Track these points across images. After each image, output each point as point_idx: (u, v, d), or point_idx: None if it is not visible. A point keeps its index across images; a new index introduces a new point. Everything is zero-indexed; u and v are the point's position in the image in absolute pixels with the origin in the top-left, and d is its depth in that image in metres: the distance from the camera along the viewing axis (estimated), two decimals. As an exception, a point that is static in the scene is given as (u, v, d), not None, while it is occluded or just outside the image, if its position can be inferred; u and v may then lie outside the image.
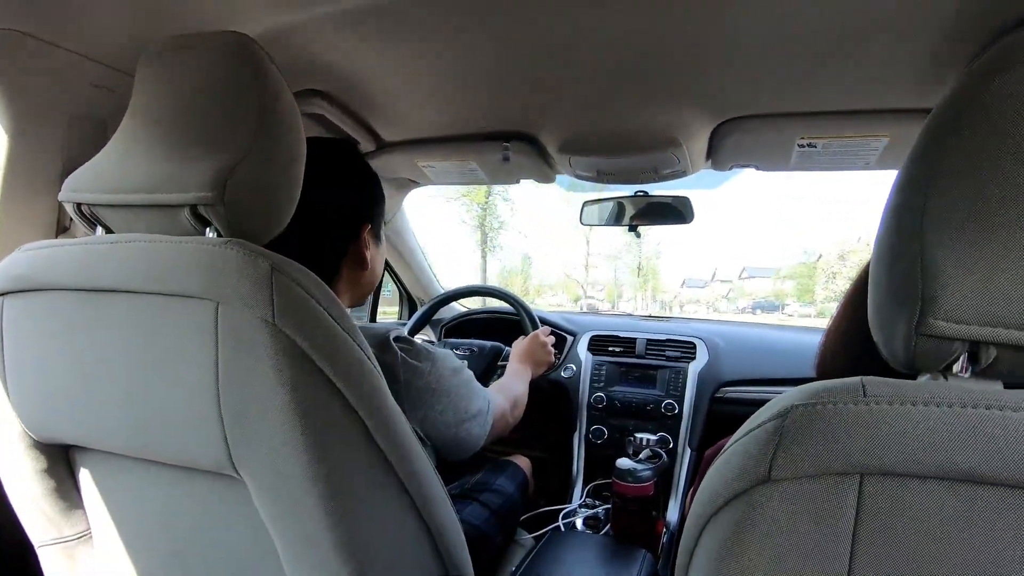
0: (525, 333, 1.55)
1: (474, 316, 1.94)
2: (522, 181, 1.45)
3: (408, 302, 2.16)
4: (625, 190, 1.53)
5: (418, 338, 1.84)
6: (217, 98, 0.60)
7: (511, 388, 1.21)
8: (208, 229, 0.60)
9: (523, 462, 1.53)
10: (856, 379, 0.38)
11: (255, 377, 0.53)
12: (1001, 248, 0.35)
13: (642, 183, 1.35)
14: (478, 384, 0.92)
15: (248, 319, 0.53)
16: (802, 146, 1.08)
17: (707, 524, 0.40)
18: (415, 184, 1.64)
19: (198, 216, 0.59)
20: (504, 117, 1.18)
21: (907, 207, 0.39)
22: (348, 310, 0.92)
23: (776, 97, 0.99)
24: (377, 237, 0.92)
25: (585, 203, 1.57)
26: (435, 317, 2.09)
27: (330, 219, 0.83)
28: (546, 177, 1.38)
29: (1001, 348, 0.36)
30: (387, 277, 2.10)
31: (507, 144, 1.23)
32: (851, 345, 0.58)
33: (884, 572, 0.33)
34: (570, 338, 1.81)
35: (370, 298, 2.09)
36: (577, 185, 1.56)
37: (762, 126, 1.06)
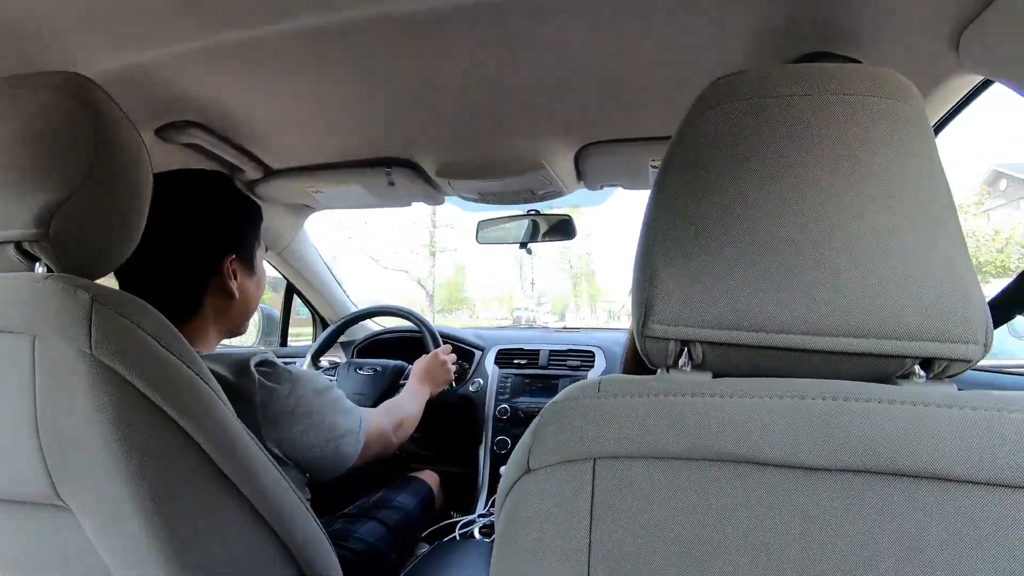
0: (427, 352, 1.59)
1: (384, 336, 1.96)
2: (413, 204, 1.49)
3: (322, 324, 2.15)
4: (518, 209, 1.61)
5: (326, 360, 1.86)
6: (48, 135, 0.61)
7: (399, 407, 1.24)
8: (38, 264, 0.61)
9: (430, 477, 1.56)
10: (597, 378, 0.44)
11: (74, 408, 0.55)
12: (700, 264, 0.42)
13: (526, 203, 1.43)
14: (349, 404, 0.95)
15: (65, 351, 0.55)
16: (654, 167, 1.19)
17: (500, 511, 0.44)
18: (311, 209, 1.66)
19: (24, 252, 0.60)
20: (383, 144, 1.23)
21: (646, 224, 0.46)
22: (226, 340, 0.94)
23: (625, 124, 1.09)
24: (250, 266, 0.94)
25: (480, 222, 1.64)
26: (348, 338, 2.10)
27: (186, 251, 0.84)
28: (434, 199, 1.44)
29: (706, 345, 0.43)
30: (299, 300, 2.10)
31: (389, 170, 1.28)
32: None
33: (617, 543, 0.39)
34: (478, 353, 1.87)
35: (279, 323, 2.07)
36: (474, 206, 1.64)
37: (617, 149, 1.16)
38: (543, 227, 1.55)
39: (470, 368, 1.83)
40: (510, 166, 1.20)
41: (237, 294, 0.89)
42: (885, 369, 0.41)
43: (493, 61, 0.88)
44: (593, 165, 1.22)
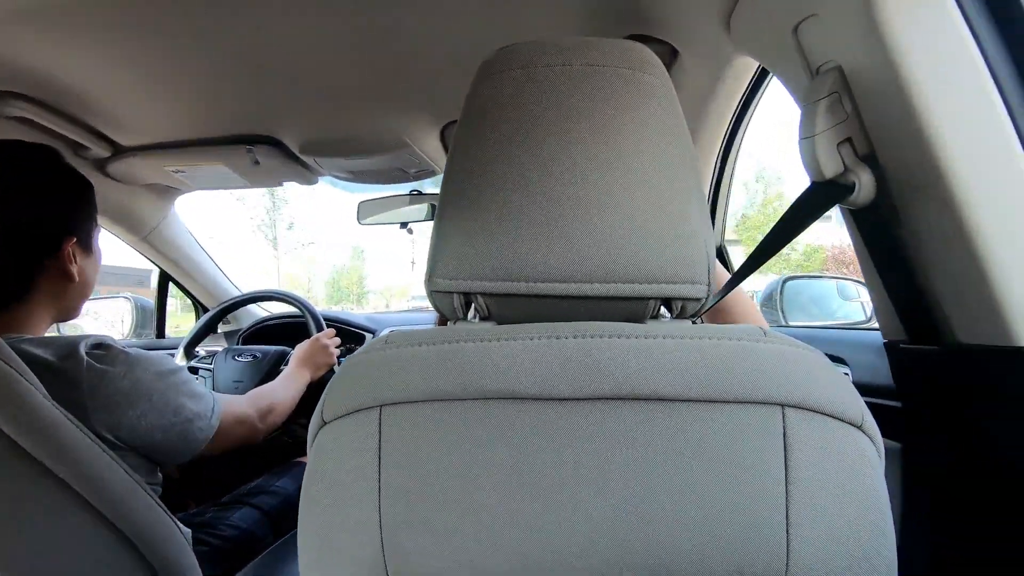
0: (311, 336, 1.56)
1: (271, 323, 1.90)
2: (285, 184, 1.46)
3: (204, 312, 2.05)
4: (401, 189, 1.61)
5: (204, 349, 1.77)
6: None
7: (269, 393, 1.21)
8: None
9: None
10: (384, 335, 0.47)
11: None
12: (478, 222, 0.45)
13: (400, 182, 1.44)
14: (199, 389, 0.92)
15: None
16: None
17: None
18: (176, 191, 1.57)
19: None
20: (243, 120, 1.19)
21: (441, 186, 0.49)
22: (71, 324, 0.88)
23: None
24: (88, 248, 0.89)
25: (361, 203, 1.62)
26: (235, 326, 2.02)
27: (17, 232, 0.79)
28: (305, 179, 1.41)
29: (487, 297, 0.46)
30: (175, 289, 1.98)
31: (251, 147, 1.24)
32: None
33: (402, 482, 0.41)
34: (369, 336, 1.85)
35: (154, 312, 1.96)
36: (353, 187, 1.62)
37: None
38: (423, 206, 1.56)
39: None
40: (374, 143, 1.20)
41: (77, 277, 0.85)
42: (636, 310, 0.47)
43: (341, 37, 0.87)
44: None
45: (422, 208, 1.61)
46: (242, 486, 1.36)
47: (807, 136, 0.57)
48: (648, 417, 0.39)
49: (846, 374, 0.94)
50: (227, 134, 1.25)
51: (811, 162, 0.57)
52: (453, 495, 0.40)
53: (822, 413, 0.39)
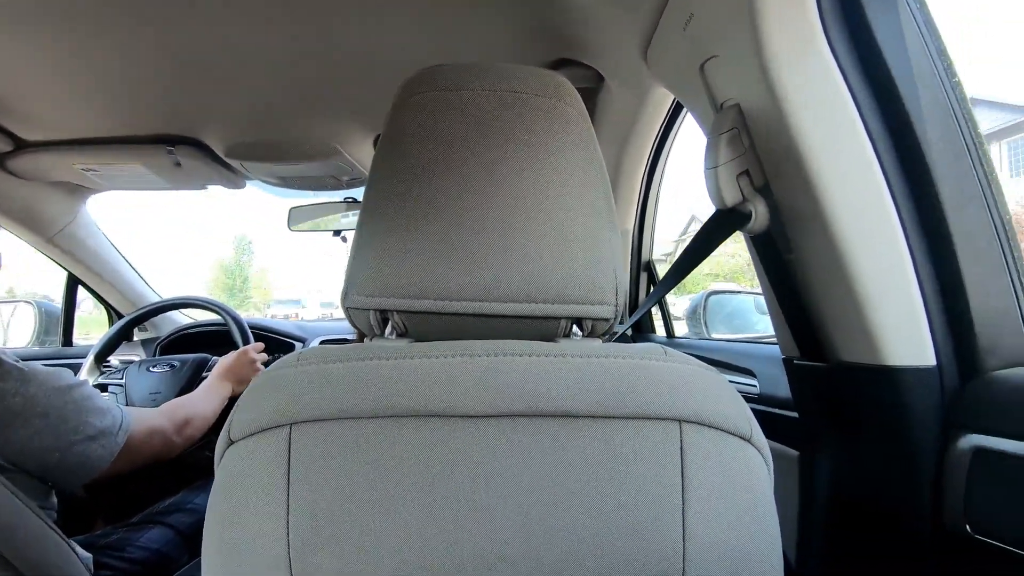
0: (236, 347, 1.50)
1: (194, 330, 1.81)
2: (209, 187, 1.40)
3: (118, 319, 1.93)
4: (334, 195, 1.58)
5: (117, 359, 1.67)
6: None
7: (186, 406, 1.15)
8: None
9: None
10: (297, 352, 0.46)
11: None
12: (395, 240, 0.45)
13: (333, 189, 1.41)
14: (104, 402, 0.87)
15: None
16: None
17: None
18: (88, 190, 1.48)
19: None
20: (165, 120, 1.14)
21: (362, 202, 0.49)
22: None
23: None
24: None
25: (291, 209, 1.57)
26: (154, 334, 1.90)
27: None
28: (232, 183, 1.36)
29: (403, 314, 0.47)
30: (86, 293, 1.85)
31: (172, 148, 1.18)
32: None
33: (312, 502, 0.40)
34: (299, 345, 1.80)
35: (61, 318, 1.82)
36: (285, 192, 1.57)
37: None
38: (356, 215, 1.54)
39: None
40: (304, 150, 1.18)
41: None
42: (549, 329, 0.48)
43: (275, 40, 0.85)
44: None
45: (339, 214, 1.58)
46: (158, 502, 1.28)
47: (711, 167, 0.61)
48: (556, 433, 0.41)
49: (754, 386, 1.01)
50: (146, 133, 1.19)
51: (714, 191, 0.62)
52: (364, 514, 0.40)
53: (715, 428, 0.41)
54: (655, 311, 1.59)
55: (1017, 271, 0.52)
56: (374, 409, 0.42)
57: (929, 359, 0.54)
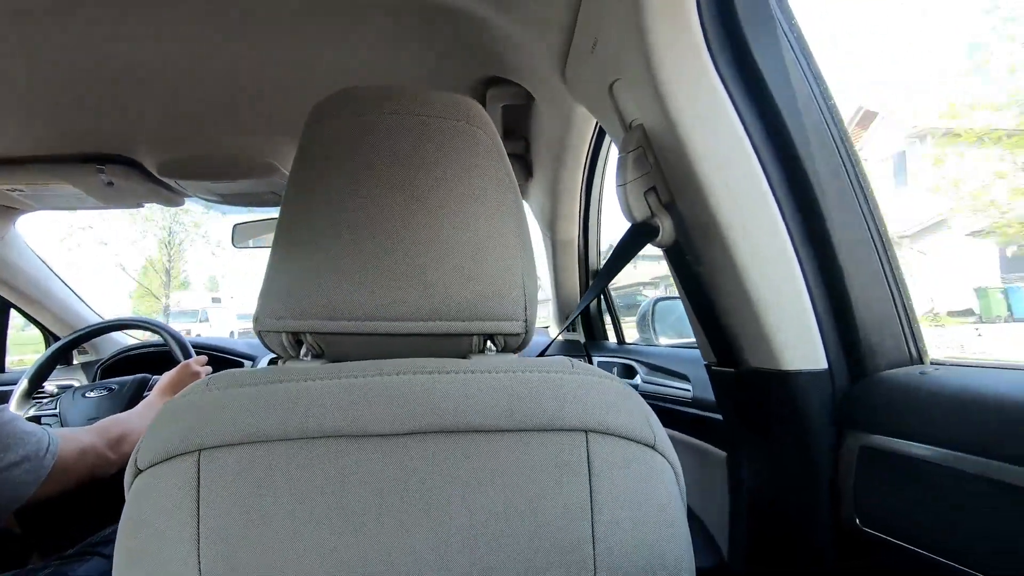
0: (177, 363, 1.46)
1: (131, 353, 1.75)
2: (146, 205, 1.37)
3: (55, 341, 1.85)
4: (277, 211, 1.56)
5: (53, 384, 1.60)
6: None
7: (121, 423, 1.11)
8: None
9: None
10: (207, 376, 0.46)
11: None
12: (305, 262, 0.45)
13: (273, 206, 1.39)
14: (26, 427, 0.84)
15: None
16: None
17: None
18: (16, 210, 1.42)
19: None
20: (91, 139, 1.11)
21: (276, 225, 0.49)
22: None
23: None
24: None
25: (235, 226, 1.55)
26: (94, 356, 1.84)
27: None
28: (170, 201, 1.33)
29: (316, 336, 0.47)
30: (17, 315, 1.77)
31: (102, 167, 1.15)
32: None
33: (223, 529, 0.40)
34: (248, 363, 1.76)
35: (-8, 344, 1.74)
36: (228, 209, 1.54)
37: None
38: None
39: None
40: (240, 167, 1.16)
41: None
42: (462, 347, 0.49)
43: (201, 56, 0.84)
44: None
45: (261, 230, 1.56)
46: (97, 532, 1.23)
47: (621, 183, 0.64)
48: (466, 449, 0.42)
49: (687, 390, 1.04)
50: (74, 152, 1.15)
51: (625, 207, 0.64)
52: (277, 538, 0.40)
53: (620, 436, 0.43)
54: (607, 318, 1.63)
55: (895, 279, 0.56)
56: (283, 432, 0.42)
57: (821, 362, 0.57)
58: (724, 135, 0.55)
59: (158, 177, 1.22)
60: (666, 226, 0.63)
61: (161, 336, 1.50)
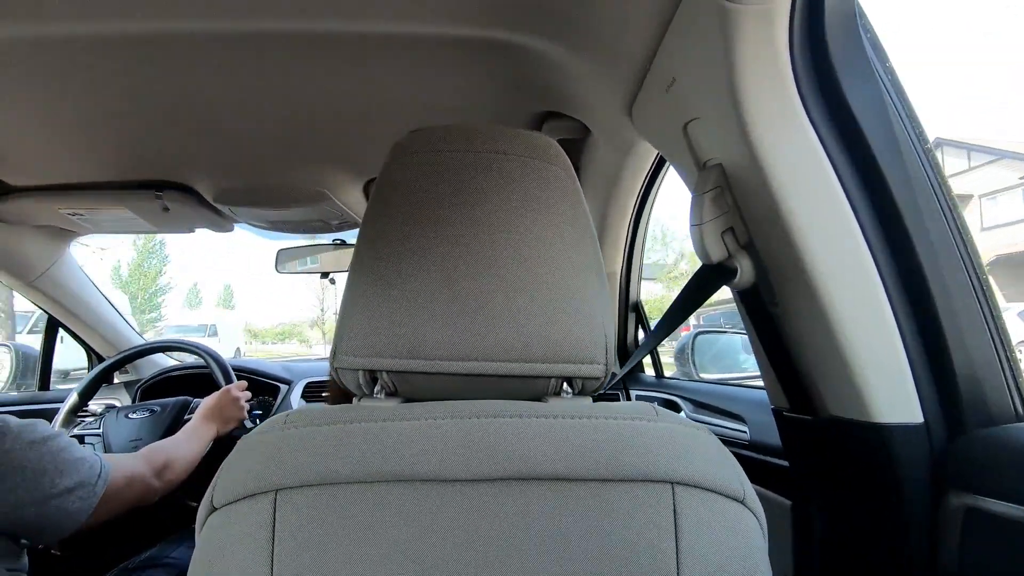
0: (219, 388, 1.47)
1: (172, 374, 1.77)
2: (197, 230, 1.40)
3: (99, 361, 1.88)
4: (323, 238, 1.58)
5: (98, 404, 1.62)
6: None
7: (166, 449, 1.12)
8: None
9: None
10: (287, 411, 0.45)
11: None
12: (384, 300, 0.45)
13: (322, 232, 1.41)
14: (81, 452, 0.84)
15: None
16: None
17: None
18: (73, 233, 1.47)
19: None
20: (152, 166, 1.14)
21: (351, 261, 0.49)
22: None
23: None
24: None
25: (280, 251, 1.57)
26: (133, 377, 1.86)
27: None
28: (220, 226, 1.36)
29: (392, 374, 0.46)
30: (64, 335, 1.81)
31: (160, 193, 1.19)
32: None
33: (299, 571, 0.38)
34: (284, 387, 1.77)
35: (39, 362, 1.77)
36: (272, 235, 1.57)
37: None
38: (346, 254, 1.54)
39: (275, 404, 1.72)
40: (292, 195, 1.18)
41: None
42: (539, 388, 0.48)
43: (262, 90, 0.87)
44: None
45: (346, 256, 1.58)
46: (134, 557, 1.23)
47: (696, 224, 0.63)
48: (547, 497, 0.40)
49: (744, 432, 1.00)
50: (134, 179, 1.19)
51: (700, 248, 0.63)
52: None
53: (708, 489, 0.41)
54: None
55: (996, 326, 0.54)
56: (361, 474, 0.41)
57: (916, 416, 0.54)
58: (813, 176, 0.53)
59: (212, 204, 1.25)
60: (744, 267, 0.61)
61: (204, 360, 1.52)
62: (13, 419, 0.78)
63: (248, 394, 1.46)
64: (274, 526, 0.40)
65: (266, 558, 0.40)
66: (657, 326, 0.70)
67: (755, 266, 0.61)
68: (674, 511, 0.40)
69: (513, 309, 0.45)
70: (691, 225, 0.64)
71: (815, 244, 0.54)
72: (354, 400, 0.50)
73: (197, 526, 0.44)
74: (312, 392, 1.75)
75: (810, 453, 0.69)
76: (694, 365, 1.63)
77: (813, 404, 0.64)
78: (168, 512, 1.51)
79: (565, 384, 0.49)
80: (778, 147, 0.53)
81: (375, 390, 0.49)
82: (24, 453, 0.76)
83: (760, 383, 1.37)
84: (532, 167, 0.48)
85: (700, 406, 1.31)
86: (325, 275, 1.56)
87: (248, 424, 1.46)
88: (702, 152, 0.65)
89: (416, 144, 0.49)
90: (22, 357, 1.77)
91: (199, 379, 1.75)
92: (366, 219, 0.49)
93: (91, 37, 0.73)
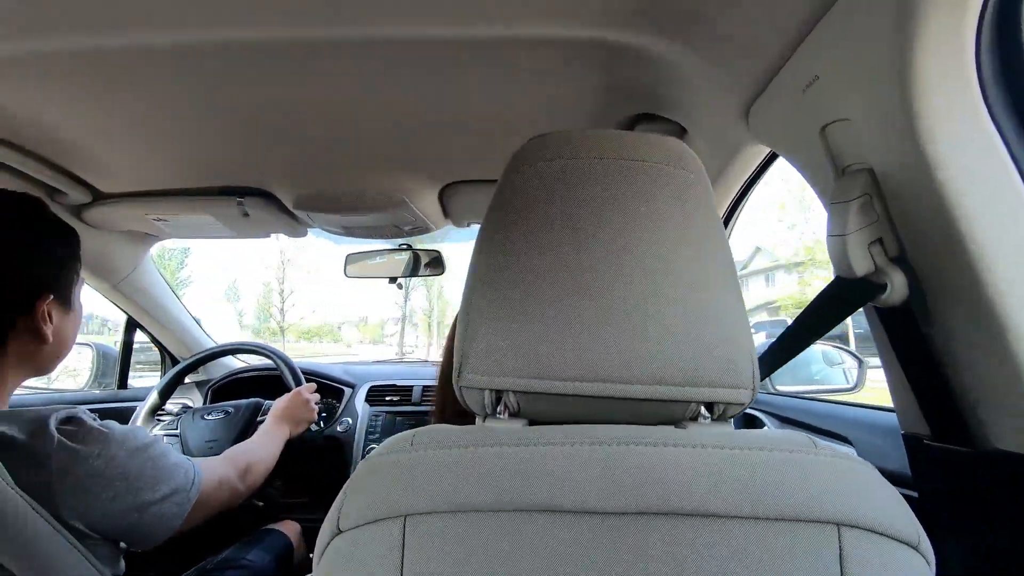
0: (288, 390, 1.49)
1: (246, 375, 1.81)
2: (273, 235, 1.41)
3: (172, 362, 1.94)
4: (391, 243, 1.58)
5: (174, 404, 1.67)
6: None
7: (248, 452, 1.14)
8: None
9: (290, 528, 1.44)
10: (412, 431, 0.43)
11: None
12: (511, 317, 0.42)
13: (394, 238, 1.41)
14: (176, 458, 0.85)
15: None
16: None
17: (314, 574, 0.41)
18: (154, 238, 1.51)
19: None
20: (234, 173, 1.16)
21: (468, 275, 0.46)
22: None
23: (483, 166, 1.12)
24: (67, 304, 0.82)
25: (349, 255, 1.58)
26: (205, 376, 1.91)
27: None
28: (295, 231, 1.38)
29: (518, 394, 0.43)
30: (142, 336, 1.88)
31: (241, 199, 1.20)
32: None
33: None
34: (348, 391, 1.78)
35: (118, 361, 1.84)
36: (343, 238, 1.58)
37: (481, 189, 1.19)
38: (416, 261, 1.53)
39: (339, 407, 1.74)
40: (371, 201, 1.18)
41: (51, 338, 0.78)
42: (676, 412, 0.44)
43: (345, 98, 0.86)
44: (458, 203, 1.24)
45: (397, 261, 1.58)
46: (209, 557, 1.25)
47: (837, 234, 0.57)
48: (696, 535, 0.37)
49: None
50: (217, 185, 1.21)
51: (840, 260, 0.57)
52: None
53: (879, 533, 0.37)
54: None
55: None
56: (494, 502, 0.38)
57: None
58: (995, 181, 0.47)
59: (291, 210, 1.26)
60: (896, 282, 0.55)
61: (274, 362, 1.54)
62: (116, 425, 0.79)
63: (317, 396, 1.47)
64: (403, 552, 0.38)
65: None
66: (781, 346, 0.65)
67: (909, 281, 0.55)
68: (840, 556, 0.36)
69: (650, 327, 0.42)
70: (830, 235, 0.59)
71: (994, 259, 0.48)
72: (477, 420, 0.47)
73: (317, 549, 0.42)
74: (375, 396, 1.75)
75: (952, 485, 0.63)
76: (769, 377, 1.55)
77: (969, 434, 0.57)
78: (239, 512, 1.54)
79: (703, 408, 0.46)
80: (952, 150, 0.48)
81: (498, 410, 0.46)
82: (127, 460, 0.76)
83: (844, 398, 1.29)
84: (666, 174, 0.45)
85: (787, 422, 1.24)
86: (393, 280, 1.56)
87: (314, 427, 1.47)
88: (844, 156, 0.59)
89: (540, 152, 0.46)
90: (102, 356, 1.84)
91: (266, 380, 1.78)
92: (485, 230, 0.47)
93: (182, 48, 0.73)
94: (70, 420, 0.73)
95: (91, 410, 0.77)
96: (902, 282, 0.55)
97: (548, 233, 0.43)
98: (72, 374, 1.82)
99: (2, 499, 0.56)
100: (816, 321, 0.61)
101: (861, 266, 0.56)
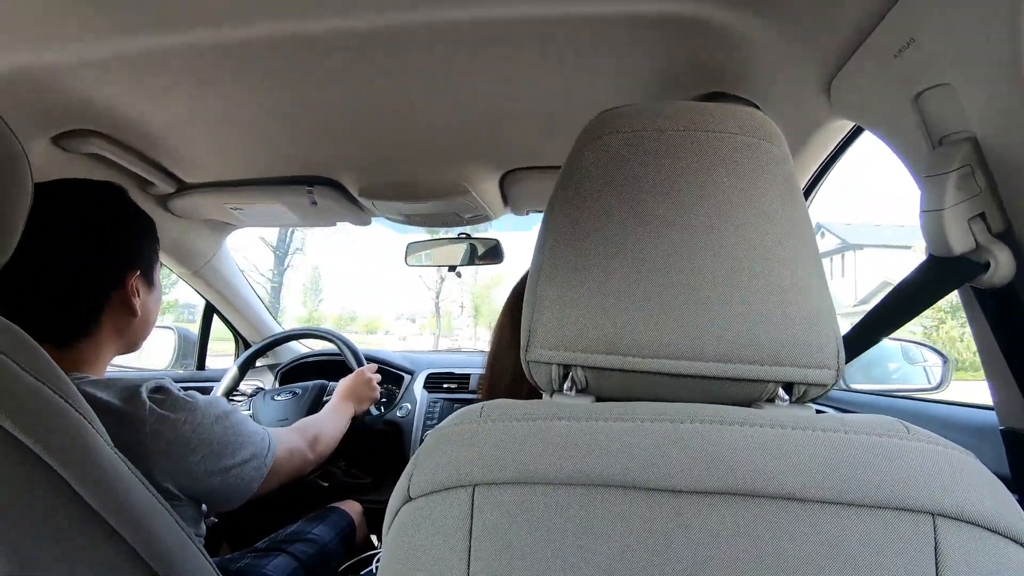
0: (351, 371, 1.54)
1: (311, 359, 1.89)
2: (339, 223, 1.47)
3: (244, 346, 2.06)
4: (450, 232, 1.61)
5: (247, 385, 1.77)
6: None
7: (316, 424, 1.19)
8: None
9: (352, 507, 1.50)
10: (480, 403, 0.44)
11: None
12: (581, 291, 0.42)
13: (453, 226, 1.43)
14: (253, 427, 0.90)
15: None
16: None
17: (385, 542, 0.42)
18: (231, 226, 1.60)
19: None
20: (305, 162, 1.21)
21: (536, 251, 0.46)
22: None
23: (545, 152, 1.11)
24: (150, 282, 0.89)
25: (410, 244, 1.62)
26: (274, 360, 2.02)
27: (84, 267, 0.79)
28: (360, 219, 1.42)
29: (587, 370, 0.43)
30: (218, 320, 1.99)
31: (311, 188, 1.25)
32: (506, 369, 0.65)
33: (494, 570, 0.37)
34: (407, 377, 1.83)
35: (197, 343, 1.96)
36: (404, 227, 1.62)
37: (541, 176, 1.19)
38: (473, 251, 1.55)
39: (399, 392, 1.78)
40: (434, 190, 1.20)
41: (140, 312, 0.85)
42: (752, 393, 0.43)
43: (413, 87, 0.88)
44: (518, 191, 1.24)
45: (456, 250, 1.60)
46: (278, 530, 1.32)
47: (932, 209, 0.53)
48: (776, 518, 0.35)
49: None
50: (288, 174, 1.27)
51: (937, 237, 0.53)
52: None
53: (979, 525, 0.34)
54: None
55: None
56: (565, 476, 0.38)
57: None
58: None
59: (357, 198, 1.30)
60: (1002, 261, 0.51)
61: (337, 346, 1.60)
62: (200, 395, 0.84)
63: (379, 376, 1.53)
64: (471, 521, 0.38)
65: (463, 554, 0.38)
66: (861, 331, 0.61)
67: (1017, 260, 0.51)
68: (935, 548, 0.34)
69: (727, 304, 0.40)
70: (923, 210, 0.55)
71: None
72: (544, 396, 0.47)
73: (387, 516, 0.43)
74: (433, 383, 1.79)
75: None
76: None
77: None
78: (306, 490, 1.62)
79: (780, 391, 0.44)
80: None
81: (565, 386, 0.46)
82: (211, 427, 0.82)
83: (930, 396, 1.20)
84: (745, 144, 0.43)
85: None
86: (452, 268, 1.59)
87: (374, 411, 1.52)
88: (941, 125, 0.55)
89: (610, 124, 0.45)
90: (182, 339, 1.97)
91: (330, 364, 1.86)
92: (553, 207, 0.46)
93: (264, 41, 0.77)
94: (159, 389, 0.79)
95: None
96: (1008, 260, 0.51)
97: (620, 207, 0.42)
98: (156, 355, 1.96)
99: (105, 458, 0.60)
100: (906, 303, 0.57)
101: (960, 243, 0.52)
